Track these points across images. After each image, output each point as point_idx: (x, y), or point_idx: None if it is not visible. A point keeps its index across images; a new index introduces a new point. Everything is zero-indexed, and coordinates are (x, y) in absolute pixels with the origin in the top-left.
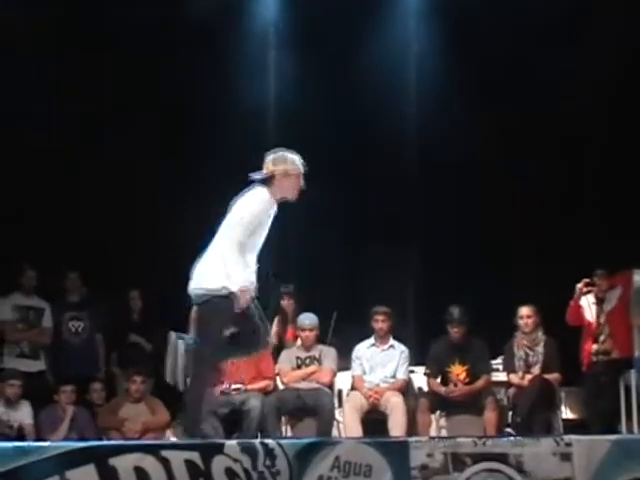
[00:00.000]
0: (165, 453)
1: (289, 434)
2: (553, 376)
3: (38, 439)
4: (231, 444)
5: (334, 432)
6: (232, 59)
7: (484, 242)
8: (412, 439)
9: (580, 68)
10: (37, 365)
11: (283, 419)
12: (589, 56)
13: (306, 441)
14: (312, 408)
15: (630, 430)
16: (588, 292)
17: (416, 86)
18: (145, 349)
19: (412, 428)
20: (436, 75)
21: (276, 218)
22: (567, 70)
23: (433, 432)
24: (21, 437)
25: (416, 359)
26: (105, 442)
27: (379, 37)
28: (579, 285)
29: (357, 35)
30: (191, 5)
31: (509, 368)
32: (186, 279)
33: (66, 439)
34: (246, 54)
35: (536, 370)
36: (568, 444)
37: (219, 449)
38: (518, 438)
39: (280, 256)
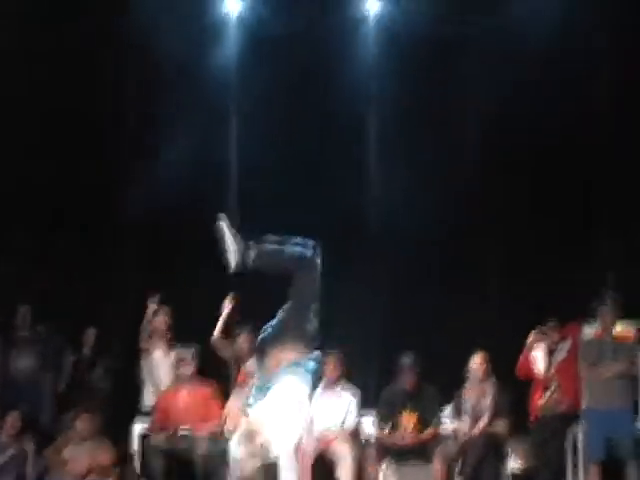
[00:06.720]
0: None
1: None
2: (501, 424)
3: None
4: None
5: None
6: None
7: (440, 291)
8: None
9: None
10: None
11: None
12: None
13: None
14: None
15: None
16: (540, 342)
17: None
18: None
19: (360, 476)
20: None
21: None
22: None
23: None
24: None
25: (367, 404)
26: None
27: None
28: (530, 339)
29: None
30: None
31: (457, 417)
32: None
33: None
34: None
35: (484, 419)
36: None
37: None
38: None
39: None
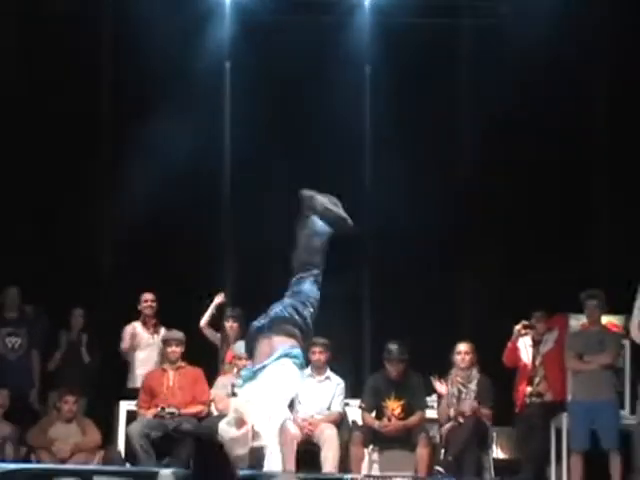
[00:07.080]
0: (98, 479)
1: None
2: (484, 412)
3: None
4: (165, 473)
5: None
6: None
7: (426, 279)
8: (347, 477)
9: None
10: None
11: None
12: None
13: (241, 473)
14: None
15: (559, 473)
16: (526, 334)
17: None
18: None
19: (345, 461)
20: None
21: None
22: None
23: (365, 466)
24: None
25: (352, 392)
26: (36, 465)
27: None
28: (517, 327)
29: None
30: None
31: (442, 404)
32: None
33: None
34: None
35: (469, 406)
36: None
37: (152, 478)
38: None
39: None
